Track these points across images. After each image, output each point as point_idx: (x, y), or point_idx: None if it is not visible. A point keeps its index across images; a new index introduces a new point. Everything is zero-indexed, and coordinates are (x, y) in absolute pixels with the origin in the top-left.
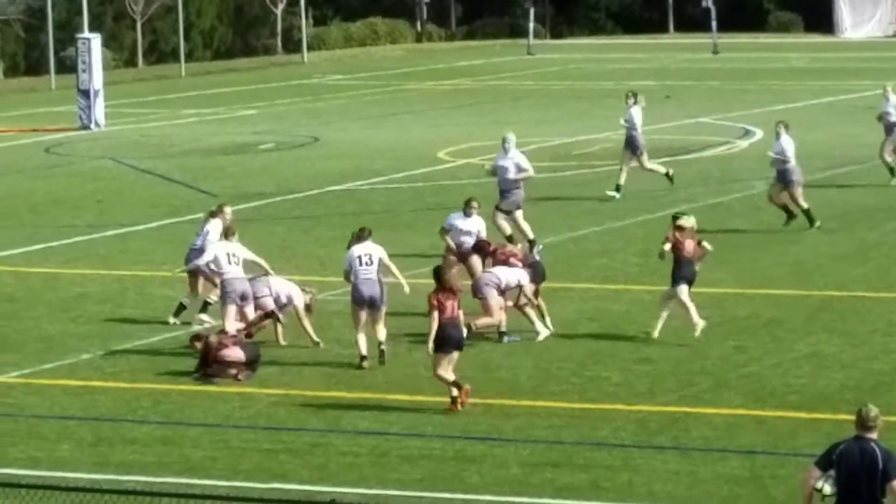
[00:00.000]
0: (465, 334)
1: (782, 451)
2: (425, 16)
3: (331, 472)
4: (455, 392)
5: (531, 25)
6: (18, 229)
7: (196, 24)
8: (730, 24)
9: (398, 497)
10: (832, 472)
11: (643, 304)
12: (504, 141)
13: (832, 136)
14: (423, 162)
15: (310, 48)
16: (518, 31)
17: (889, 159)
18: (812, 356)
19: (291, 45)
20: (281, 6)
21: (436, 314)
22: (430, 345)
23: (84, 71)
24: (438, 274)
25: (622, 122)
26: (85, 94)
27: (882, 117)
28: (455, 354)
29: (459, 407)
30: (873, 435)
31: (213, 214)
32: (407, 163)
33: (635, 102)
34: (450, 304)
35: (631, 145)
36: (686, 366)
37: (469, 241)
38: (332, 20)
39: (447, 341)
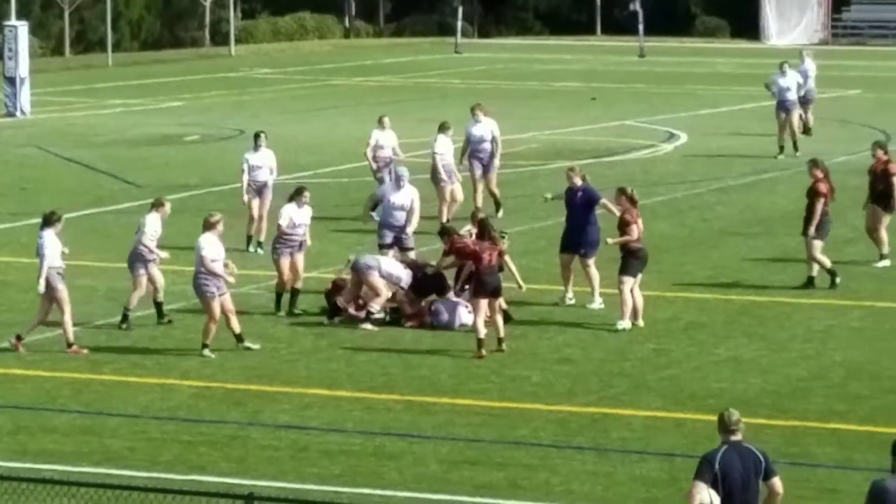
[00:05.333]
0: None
1: (700, 454)
2: (353, 12)
3: (250, 465)
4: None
5: (459, 24)
6: None
7: (124, 14)
8: (657, 27)
9: (317, 491)
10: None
11: (564, 304)
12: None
13: (756, 141)
14: (349, 158)
15: (238, 41)
16: (446, 30)
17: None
18: (731, 360)
19: (219, 38)
20: None
21: (471, 262)
22: (459, 286)
23: (10, 58)
24: (482, 225)
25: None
26: (11, 81)
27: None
28: (494, 301)
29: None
30: (739, 437)
31: (154, 207)
32: (332, 158)
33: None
34: (487, 254)
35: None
36: (606, 367)
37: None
38: (260, 14)
39: (483, 287)
